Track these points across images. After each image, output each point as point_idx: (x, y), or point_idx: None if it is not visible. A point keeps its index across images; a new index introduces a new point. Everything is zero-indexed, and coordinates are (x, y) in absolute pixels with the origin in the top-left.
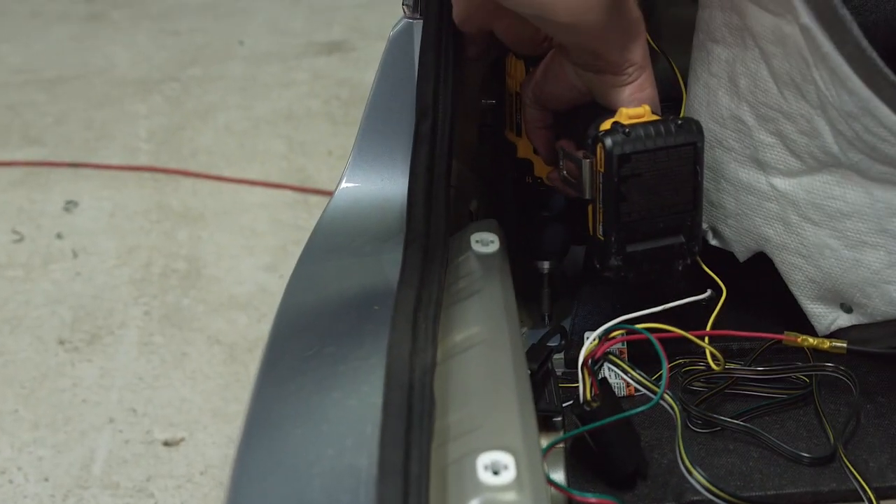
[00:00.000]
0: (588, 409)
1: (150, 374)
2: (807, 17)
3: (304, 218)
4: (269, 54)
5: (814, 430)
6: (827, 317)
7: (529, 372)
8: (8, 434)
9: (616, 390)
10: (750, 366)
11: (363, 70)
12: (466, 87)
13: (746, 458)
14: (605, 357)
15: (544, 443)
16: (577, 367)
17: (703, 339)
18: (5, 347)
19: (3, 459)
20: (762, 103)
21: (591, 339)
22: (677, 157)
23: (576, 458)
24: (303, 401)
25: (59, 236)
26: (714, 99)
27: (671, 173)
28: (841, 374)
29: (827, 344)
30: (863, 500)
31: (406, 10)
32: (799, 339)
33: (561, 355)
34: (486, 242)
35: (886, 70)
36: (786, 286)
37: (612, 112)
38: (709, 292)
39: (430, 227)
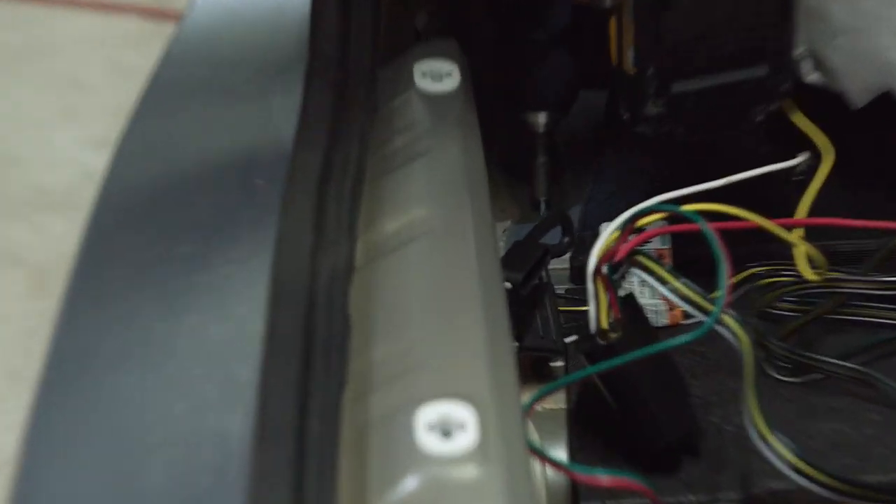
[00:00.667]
0: (604, 342)
1: None
2: None
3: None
4: None
5: None
6: None
7: (510, 285)
8: None
9: (651, 315)
10: (868, 276)
11: None
12: None
13: (860, 423)
14: (633, 260)
15: (529, 396)
16: (586, 279)
17: (791, 231)
18: None
19: None
20: None
21: (609, 230)
22: None
23: (584, 422)
24: (138, 331)
25: None
26: None
27: None
28: None
29: None
30: None
31: None
32: None
33: (563, 260)
34: (438, 75)
35: None
36: None
37: None
38: (805, 156)
39: (346, 51)
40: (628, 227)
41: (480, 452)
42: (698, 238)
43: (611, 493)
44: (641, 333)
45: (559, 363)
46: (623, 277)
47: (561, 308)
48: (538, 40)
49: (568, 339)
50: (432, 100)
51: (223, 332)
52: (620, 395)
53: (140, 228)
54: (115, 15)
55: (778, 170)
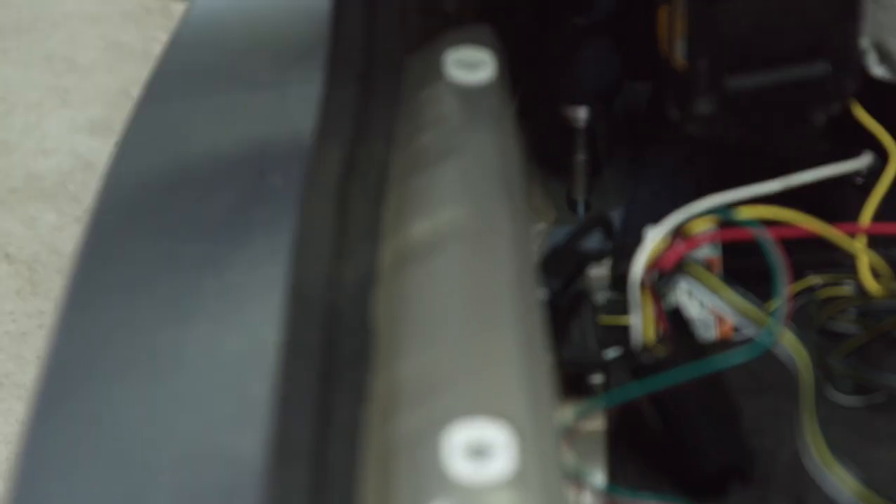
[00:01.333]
0: (650, 359)
1: None
2: None
3: (162, 40)
4: None
5: None
6: None
7: (547, 295)
8: None
9: (700, 328)
10: None
11: None
12: None
13: None
14: (681, 270)
15: (568, 415)
16: (630, 289)
17: (854, 239)
18: None
19: None
20: None
21: (655, 237)
22: None
23: (626, 444)
24: (143, 338)
25: None
26: None
27: None
28: None
29: None
30: None
31: None
32: None
33: (604, 268)
34: (471, 65)
35: None
36: None
37: None
38: (869, 157)
39: (371, 37)
40: (678, 234)
41: (518, 480)
42: (749, 245)
43: None
44: (690, 349)
45: (598, 378)
46: (670, 288)
47: (602, 321)
48: (580, 26)
49: (609, 354)
50: (464, 92)
51: (235, 342)
52: (666, 416)
53: (145, 226)
54: None
55: (840, 172)
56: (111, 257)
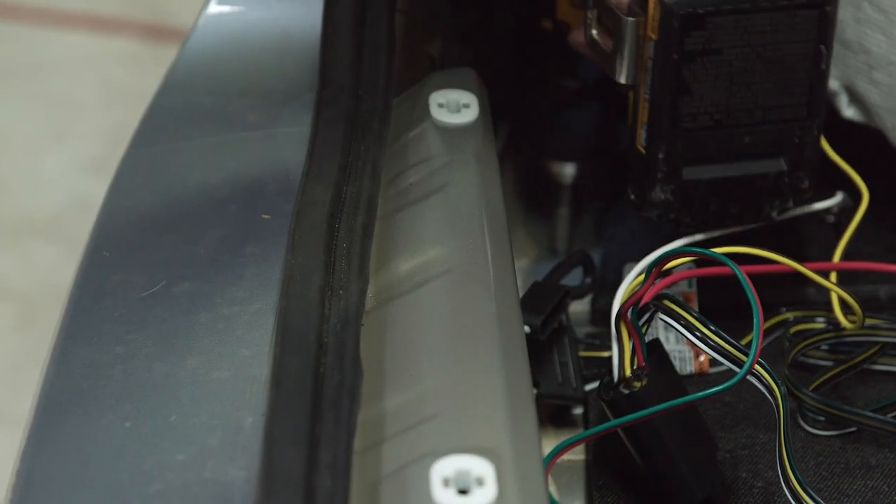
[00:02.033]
0: (628, 391)
1: None
2: None
3: (155, 81)
4: None
5: None
6: None
7: (528, 329)
8: None
9: (677, 363)
10: None
11: None
12: None
13: None
14: (659, 305)
15: (549, 447)
16: (610, 323)
17: (826, 277)
18: None
19: None
20: None
21: (634, 273)
22: (787, 26)
23: (606, 476)
24: (135, 374)
25: None
26: None
27: (774, 54)
28: None
29: None
30: None
31: None
32: None
33: (584, 303)
34: (456, 106)
35: None
36: None
37: None
38: (839, 197)
39: (359, 79)
40: (655, 270)
41: None
42: (724, 281)
43: None
44: (667, 383)
45: (579, 411)
46: (649, 322)
47: (582, 352)
48: (569, 88)
49: (588, 387)
50: (449, 132)
51: (226, 376)
52: (645, 448)
53: (138, 263)
54: (109, 33)
55: (813, 211)
56: (105, 293)
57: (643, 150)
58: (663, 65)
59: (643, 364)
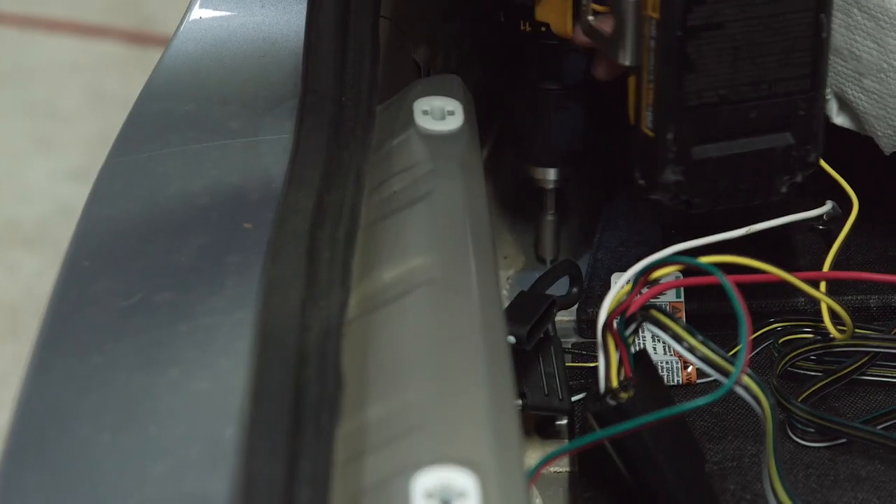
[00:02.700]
0: (615, 402)
1: None
2: None
3: (140, 87)
4: None
5: None
6: None
7: (513, 339)
8: None
9: (664, 373)
10: None
11: None
12: None
13: (888, 494)
14: (646, 315)
15: (534, 459)
16: (596, 333)
17: (816, 287)
18: None
19: None
20: None
21: (621, 282)
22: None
23: (592, 488)
24: (114, 385)
25: None
26: None
27: (776, 26)
28: None
29: None
30: None
31: None
32: None
33: (571, 313)
34: (440, 114)
35: None
36: None
37: None
38: (829, 206)
39: (342, 87)
40: (642, 279)
41: None
42: (712, 290)
43: None
44: (655, 393)
45: (565, 422)
46: (636, 332)
47: (569, 363)
48: (552, 91)
49: (575, 398)
50: (433, 140)
51: (206, 387)
52: (631, 460)
53: (118, 272)
54: (95, 39)
55: (801, 219)
56: (84, 302)
57: (650, 133)
58: (666, 43)
59: (630, 375)
